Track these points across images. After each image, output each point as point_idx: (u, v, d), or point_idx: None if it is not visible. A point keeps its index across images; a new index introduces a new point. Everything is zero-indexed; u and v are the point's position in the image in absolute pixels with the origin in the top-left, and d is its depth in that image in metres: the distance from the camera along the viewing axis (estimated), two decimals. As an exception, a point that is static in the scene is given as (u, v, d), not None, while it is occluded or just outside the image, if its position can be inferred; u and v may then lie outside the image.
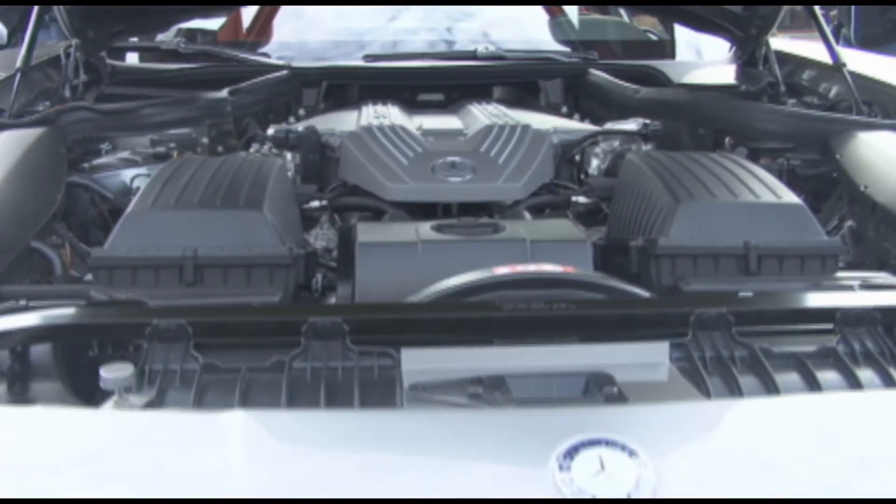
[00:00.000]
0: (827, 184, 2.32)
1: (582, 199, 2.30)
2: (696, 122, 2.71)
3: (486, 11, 3.53)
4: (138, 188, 2.12)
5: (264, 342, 1.41)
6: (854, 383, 1.34)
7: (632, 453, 1.05)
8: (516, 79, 3.25)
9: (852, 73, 2.53)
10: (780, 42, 3.05)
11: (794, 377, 1.37)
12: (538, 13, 3.68)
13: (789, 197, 1.91)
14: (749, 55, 3.01)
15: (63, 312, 1.45)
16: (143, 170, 2.32)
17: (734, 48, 3.17)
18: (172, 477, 1.07)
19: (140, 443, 1.13)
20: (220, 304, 1.64)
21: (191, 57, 3.13)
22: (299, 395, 1.29)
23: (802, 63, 2.91)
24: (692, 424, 1.16)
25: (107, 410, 1.21)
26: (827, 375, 1.36)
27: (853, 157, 2.18)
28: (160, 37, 3.32)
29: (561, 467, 1.04)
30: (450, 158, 2.23)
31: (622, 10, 3.91)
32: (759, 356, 1.37)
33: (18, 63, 2.36)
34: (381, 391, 1.30)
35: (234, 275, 1.70)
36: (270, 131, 2.48)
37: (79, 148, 2.36)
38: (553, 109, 3.09)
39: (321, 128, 2.47)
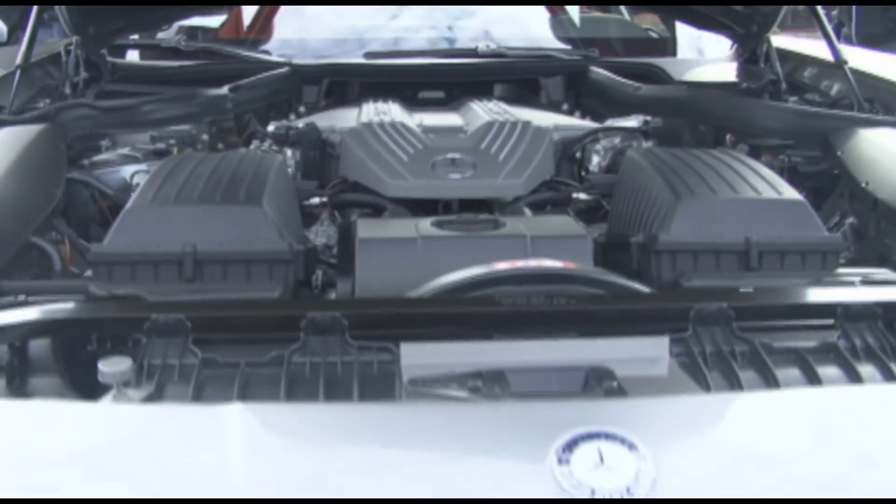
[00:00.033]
0: (828, 180, 2.33)
1: (583, 196, 2.29)
2: (697, 118, 2.70)
3: (488, 10, 3.52)
4: (138, 184, 2.11)
5: (263, 337, 1.41)
6: (855, 378, 1.34)
7: (631, 447, 1.05)
8: (517, 76, 3.24)
9: (853, 70, 2.53)
10: (781, 40, 3.04)
11: (794, 372, 1.36)
12: (539, 12, 3.67)
13: (790, 193, 1.90)
14: (750, 53, 3.00)
15: (62, 307, 1.45)
16: (142, 166, 2.32)
17: (735, 46, 3.16)
18: (171, 470, 1.07)
19: (139, 437, 1.13)
20: (219, 299, 1.64)
21: (191, 54, 3.12)
22: (298, 390, 1.28)
23: (804, 61, 2.91)
24: (692, 418, 1.16)
25: (105, 405, 1.20)
26: (828, 370, 1.36)
27: (854, 153, 2.18)
28: (161, 34, 3.32)
29: (560, 460, 1.03)
30: (450, 155, 2.23)
31: (623, 9, 3.91)
32: (759, 351, 1.37)
33: (18, 60, 2.36)
34: (380, 386, 1.29)
35: (233, 270, 1.70)
36: (271, 128, 2.47)
37: (79, 144, 2.36)
38: (554, 107, 3.08)
39: (322, 125, 2.46)
